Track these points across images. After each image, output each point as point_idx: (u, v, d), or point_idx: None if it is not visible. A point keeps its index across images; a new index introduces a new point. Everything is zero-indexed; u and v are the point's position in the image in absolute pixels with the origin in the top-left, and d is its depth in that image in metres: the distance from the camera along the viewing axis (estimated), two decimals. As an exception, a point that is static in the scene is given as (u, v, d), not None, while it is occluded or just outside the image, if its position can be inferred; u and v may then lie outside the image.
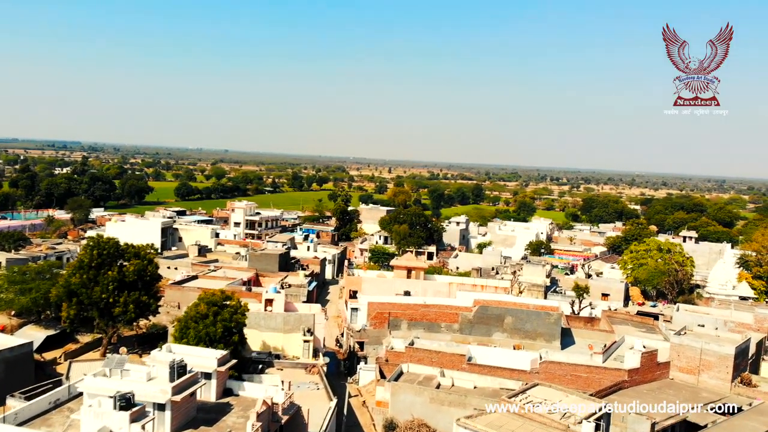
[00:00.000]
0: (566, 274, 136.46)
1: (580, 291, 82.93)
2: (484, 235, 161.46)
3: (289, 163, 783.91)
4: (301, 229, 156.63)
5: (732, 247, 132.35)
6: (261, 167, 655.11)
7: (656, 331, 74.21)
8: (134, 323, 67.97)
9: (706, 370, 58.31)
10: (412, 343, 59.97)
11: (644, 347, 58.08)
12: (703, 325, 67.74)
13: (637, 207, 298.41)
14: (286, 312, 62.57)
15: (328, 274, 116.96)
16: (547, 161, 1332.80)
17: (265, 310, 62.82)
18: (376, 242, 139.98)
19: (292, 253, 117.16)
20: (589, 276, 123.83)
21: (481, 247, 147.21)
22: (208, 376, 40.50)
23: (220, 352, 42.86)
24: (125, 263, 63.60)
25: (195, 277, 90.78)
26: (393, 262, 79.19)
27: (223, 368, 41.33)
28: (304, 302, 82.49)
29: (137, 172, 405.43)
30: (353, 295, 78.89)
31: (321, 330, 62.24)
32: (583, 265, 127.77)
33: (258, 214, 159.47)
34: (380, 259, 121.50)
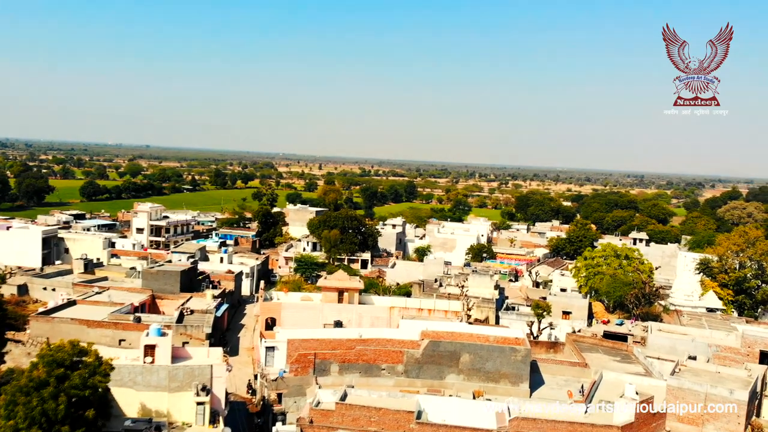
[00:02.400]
0: (511, 281, 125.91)
1: (541, 311, 70.72)
2: (421, 238, 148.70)
3: (214, 159, 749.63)
4: (217, 234, 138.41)
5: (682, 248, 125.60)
6: (183, 163, 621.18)
7: (632, 359, 62.97)
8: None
9: (713, 420, 46.81)
10: (344, 397, 45.40)
11: (637, 394, 45.76)
12: (694, 358, 56.42)
13: (568, 203, 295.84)
14: (175, 362, 46.27)
15: (246, 289, 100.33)
16: (474, 158, 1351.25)
17: (145, 359, 46.28)
18: (304, 249, 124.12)
19: (202, 266, 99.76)
20: (537, 285, 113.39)
21: (419, 252, 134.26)
22: None
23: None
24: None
25: (73, 303, 72.67)
26: (321, 283, 64.16)
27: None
28: (207, 336, 66.29)
29: (44, 170, 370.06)
30: (271, 324, 63.37)
31: (221, 385, 46.33)
32: (530, 271, 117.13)
33: (166, 218, 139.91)
34: (308, 270, 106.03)
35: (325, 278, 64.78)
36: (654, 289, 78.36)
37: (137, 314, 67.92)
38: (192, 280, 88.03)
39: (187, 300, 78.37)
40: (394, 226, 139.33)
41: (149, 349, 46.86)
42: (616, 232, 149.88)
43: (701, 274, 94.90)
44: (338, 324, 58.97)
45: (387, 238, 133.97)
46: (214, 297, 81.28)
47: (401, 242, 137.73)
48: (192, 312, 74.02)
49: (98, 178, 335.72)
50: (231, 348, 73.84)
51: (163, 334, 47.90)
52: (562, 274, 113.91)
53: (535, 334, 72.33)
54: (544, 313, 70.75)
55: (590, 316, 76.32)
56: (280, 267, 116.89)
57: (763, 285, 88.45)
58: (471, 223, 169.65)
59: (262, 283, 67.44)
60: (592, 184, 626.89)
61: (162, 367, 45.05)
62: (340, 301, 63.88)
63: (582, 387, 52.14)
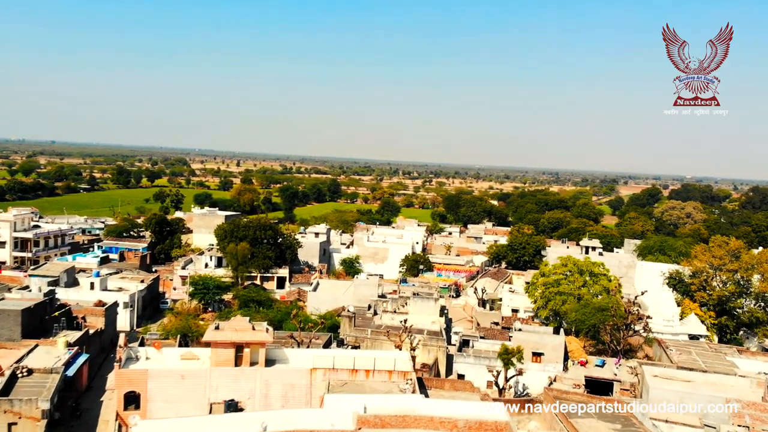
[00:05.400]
0: (451, 296, 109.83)
1: (509, 356, 53.89)
2: (348, 247, 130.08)
3: (123, 156, 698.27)
4: (99, 247, 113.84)
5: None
6: (87, 160, 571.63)
7: (636, 426, 47.30)
8: None
9: None
10: None
11: None
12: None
13: (495, 202, 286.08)
14: None
15: (124, 322, 78.23)
16: (396, 155, 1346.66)
17: None
18: (206, 265, 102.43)
19: (66, 294, 76.91)
20: (484, 303, 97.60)
21: (346, 264, 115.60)
22: None
23: None
24: None
25: None
26: (211, 336, 44.31)
27: None
28: (44, 414, 45.15)
29: None
30: (132, 399, 42.91)
31: None
32: (474, 288, 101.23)
33: (37, 227, 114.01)
34: (207, 295, 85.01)
35: (219, 330, 45.06)
36: (637, 316, 63.74)
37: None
38: (43, 320, 65.52)
39: (29, 352, 56.43)
40: (317, 234, 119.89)
41: None
42: (563, 239, 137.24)
43: (673, 291, 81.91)
44: (232, 406, 39.49)
45: (309, 249, 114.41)
46: (69, 345, 59.52)
47: (325, 253, 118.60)
48: (30, 372, 52.35)
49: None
50: (86, 423, 52.68)
51: None
52: (512, 290, 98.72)
53: (500, 386, 55.52)
54: (512, 360, 54.07)
55: (565, 356, 60.69)
56: (174, 289, 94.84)
57: (749, 305, 76.15)
58: (404, 228, 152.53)
59: (122, 336, 46.46)
60: (512, 181, 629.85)
61: None
62: (238, 362, 44.26)
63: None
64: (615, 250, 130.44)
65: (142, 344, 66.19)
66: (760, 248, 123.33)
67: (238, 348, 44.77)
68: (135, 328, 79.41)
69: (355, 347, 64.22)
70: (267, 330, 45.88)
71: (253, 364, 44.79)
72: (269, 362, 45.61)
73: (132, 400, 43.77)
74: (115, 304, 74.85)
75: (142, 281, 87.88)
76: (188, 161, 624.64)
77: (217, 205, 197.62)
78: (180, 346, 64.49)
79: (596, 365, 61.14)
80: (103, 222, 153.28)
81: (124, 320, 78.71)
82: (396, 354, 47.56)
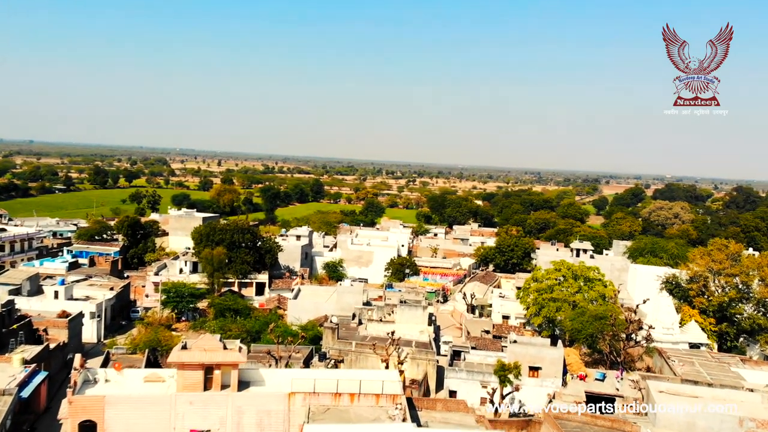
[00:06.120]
0: (438, 301, 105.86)
1: (506, 373, 49.87)
2: (332, 250, 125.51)
3: (102, 156, 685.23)
4: (69, 251, 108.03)
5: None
6: (65, 160, 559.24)
7: (646, 448, 43.57)
8: None
9: None
10: None
11: None
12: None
13: (479, 202, 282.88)
14: None
15: (91, 334, 73.04)
16: (379, 155, 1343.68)
17: None
18: (181, 270, 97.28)
19: (27, 304, 71.63)
20: (473, 309, 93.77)
21: (329, 268, 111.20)
22: None
23: None
24: None
25: None
26: (176, 357, 39.57)
27: None
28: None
29: None
30: (87, 429, 38.13)
31: None
32: (464, 293, 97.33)
33: (2, 230, 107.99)
34: (181, 303, 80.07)
35: (186, 350, 40.41)
36: (639, 326, 60.14)
37: None
38: (0, 333, 60.29)
39: (-22, 371, 51.23)
40: (298, 237, 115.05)
41: None
42: (553, 241, 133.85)
43: (670, 296, 78.61)
44: (199, 439, 34.94)
45: (290, 253, 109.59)
46: (26, 362, 54.48)
47: (307, 257, 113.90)
48: (-21, 396, 47.17)
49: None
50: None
51: None
52: (502, 295, 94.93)
53: (496, 405, 51.50)
54: (508, 378, 50.06)
55: (564, 371, 56.85)
56: (147, 296, 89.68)
57: (749, 311, 73.04)
58: (388, 229, 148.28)
59: (77, 357, 41.43)
60: (495, 181, 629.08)
61: None
62: (207, 386, 39.65)
63: None
64: (604, 251, 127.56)
65: (107, 360, 61.40)
66: (751, 249, 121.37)
67: (208, 370, 40.16)
68: (102, 340, 74.16)
69: (338, 361, 59.88)
70: (240, 349, 41.31)
71: (224, 387, 40.22)
72: (243, 385, 41.07)
73: (88, 431, 39.05)
74: (80, 315, 69.55)
75: (112, 288, 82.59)
76: (168, 161, 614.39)
77: (195, 206, 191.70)
78: (148, 361, 59.72)
79: (596, 379, 57.43)
80: (75, 224, 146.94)
81: (90, 331, 73.51)
82: (384, 375, 43.23)
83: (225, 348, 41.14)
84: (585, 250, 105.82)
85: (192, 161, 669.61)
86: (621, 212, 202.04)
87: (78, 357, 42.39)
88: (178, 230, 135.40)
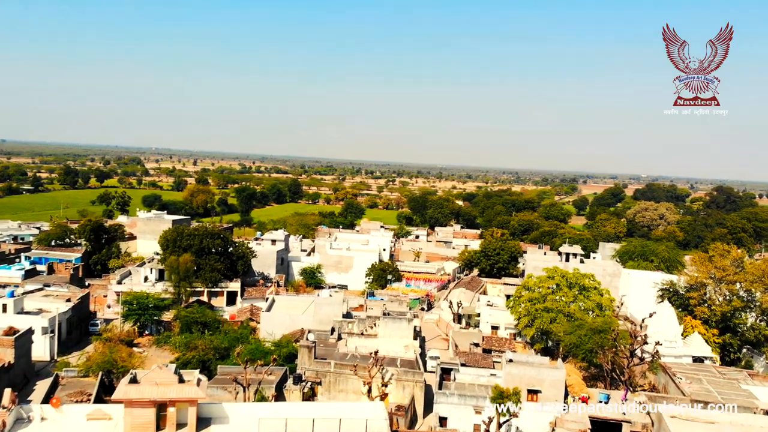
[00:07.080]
0: (423, 309, 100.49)
1: (504, 401, 44.48)
2: (309, 254, 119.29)
3: (75, 155, 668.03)
4: (27, 258, 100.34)
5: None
6: (36, 159, 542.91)
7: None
8: None
9: None
10: None
11: None
12: None
13: (460, 202, 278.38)
14: None
15: (43, 352, 66.07)
16: (358, 155, 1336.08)
17: None
18: (146, 278, 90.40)
19: (-31, 320, 64.28)
20: (460, 318, 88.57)
21: (307, 274, 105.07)
22: None
23: None
24: None
25: None
26: (123, 394, 33.46)
27: None
28: None
29: None
30: (16, 483, 31.74)
31: None
32: (450, 302, 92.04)
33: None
34: (143, 316, 73.37)
35: (134, 386, 34.34)
36: (644, 342, 55.29)
37: None
38: (-69, 356, 53.30)
39: None
40: (273, 241, 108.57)
41: None
42: (540, 245, 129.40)
43: (670, 305, 74.12)
44: (145, 498, 28.87)
45: (265, 258, 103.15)
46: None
47: (283, 262, 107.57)
48: None
49: None
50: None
51: None
52: (490, 303, 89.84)
53: (492, 433, 46.07)
54: (504, 404, 44.71)
55: (565, 394, 51.76)
56: (109, 307, 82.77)
57: (753, 321, 68.78)
58: (369, 232, 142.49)
59: (6, 393, 35.21)
60: (474, 180, 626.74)
61: None
62: (160, 425, 33.60)
63: None
64: (591, 255, 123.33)
65: (54, 385, 54.82)
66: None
67: (161, 407, 34.07)
68: (56, 357, 67.32)
69: (315, 383, 54.06)
70: (198, 382, 35.37)
71: (180, 426, 34.16)
72: (202, 422, 35.04)
73: (15, 482, 32.73)
74: (30, 331, 62.50)
75: (69, 300, 75.54)
76: (143, 160, 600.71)
77: (167, 207, 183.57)
78: (102, 385, 53.34)
79: (600, 401, 52.37)
80: (38, 228, 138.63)
81: (42, 349, 66.49)
82: (368, 409, 37.46)
83: (181, 381, 35.08)
84: (575, 255, 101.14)
85: (167, 161, 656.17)
86: (605, 213, 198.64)
87: (8, 393, 35.87)
88: (147, 234, 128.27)
